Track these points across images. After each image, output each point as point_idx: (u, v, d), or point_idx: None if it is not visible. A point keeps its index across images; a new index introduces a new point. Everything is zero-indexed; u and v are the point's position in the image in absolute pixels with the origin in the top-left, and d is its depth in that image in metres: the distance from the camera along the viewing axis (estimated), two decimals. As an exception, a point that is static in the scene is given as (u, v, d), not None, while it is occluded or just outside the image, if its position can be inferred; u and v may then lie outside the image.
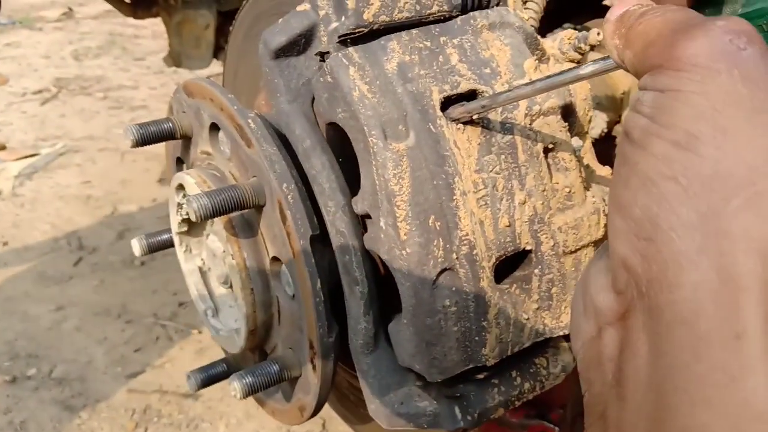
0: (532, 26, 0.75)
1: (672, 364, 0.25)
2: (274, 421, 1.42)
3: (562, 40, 0.67)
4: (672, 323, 0.25)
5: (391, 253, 0.56)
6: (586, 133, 0.70)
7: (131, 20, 1.92)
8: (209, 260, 0.81)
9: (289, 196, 0.62)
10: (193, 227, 0.82)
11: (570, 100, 0.63)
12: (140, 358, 1.60)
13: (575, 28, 0.99)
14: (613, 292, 0.29)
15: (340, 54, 0.58)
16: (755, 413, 0.23)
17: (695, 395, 0.24)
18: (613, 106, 1.12)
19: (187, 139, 0.79)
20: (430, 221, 0.55)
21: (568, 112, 0.64)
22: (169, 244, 0.85)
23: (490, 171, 0.58)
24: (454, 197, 0.56)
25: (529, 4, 0.78)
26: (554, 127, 0.61)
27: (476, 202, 0.57)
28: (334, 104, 0.59)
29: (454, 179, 0.56)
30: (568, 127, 0.62)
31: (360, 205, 0.59)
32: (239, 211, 0.67)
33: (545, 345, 0.65)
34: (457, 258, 0.56)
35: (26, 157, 2.57)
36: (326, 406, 0.82)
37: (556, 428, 1.03)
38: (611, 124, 1.13)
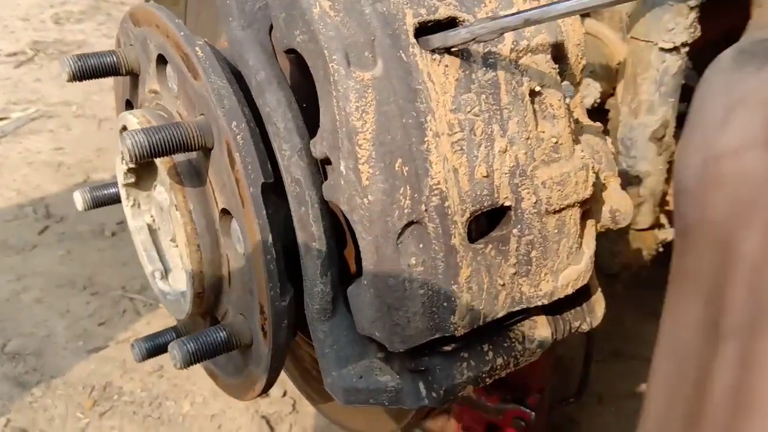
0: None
1: None
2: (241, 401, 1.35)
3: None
4: None
5: (352, 202, 0.49)
6: (578, 83, 0.62)
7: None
8: (158, 216, 0.73)
9: (238, 137, 0.54)
10: (141, 179, 0.73)
11: (562, 40, 0.55)
12: (104, 332, 1.51)
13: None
14: None
15: (299, -33, 0.50)
16: None
17: None
18: (607, 76, 1.05)
19: (135, 77, 0.71)
20: (397, 165, 0.48)
21: (558, 54, 0.56)
22: (117, 198, 0.77)
23: (468, 112, 0.50)
24: (426, 139, 0.48)
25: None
26: (543, 67, 0.53)
27: (450, 147, 0.49)
28: (291, 25, 0.51)
29: (426, 118, 0.48)
30: (558, 70, 0.54)
31: (318, 146, 0.51)
32: (183, 153, 0.59)
33: (521, 317, 0.58)
34: (426, 210, 0.48)
35: (-4, 121, 2.45)
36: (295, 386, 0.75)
37: (533, 413, 0.97)
38: (605, 96, 1.06)
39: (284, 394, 1.31)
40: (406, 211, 0.48)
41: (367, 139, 0.47)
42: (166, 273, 0.74)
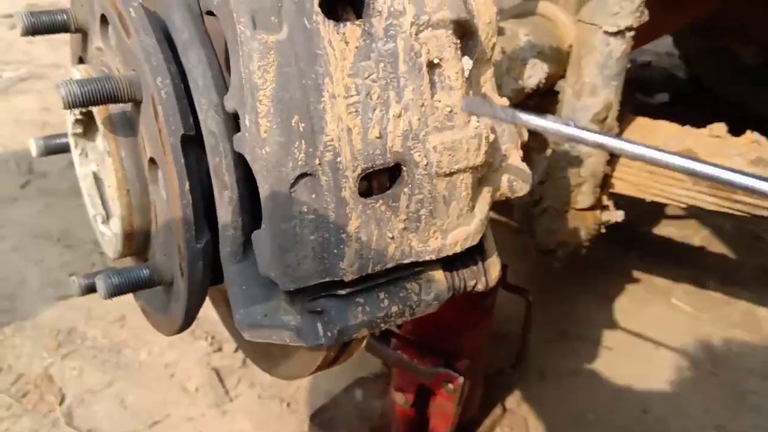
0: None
1: None
2: (195, 352, 1.42)
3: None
4: None
5: (253, 153, 0.54)
6: (489, 59, 0.67)
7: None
8: (101, 164, 0.79)
9: (162, 91, 0.59)
10: (89, 129, 0.79)
11: (465, 17, 0.60)
12: (74, 283, 1.58)
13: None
14: None
15: (216, -66, 0.54)
16: None
17: None
18: (557, 58, 1.09)
19: (84, 35, 0.76)
20: (294, 121, 0.53)
21: (464, 31, 0.61)
22: (68, 147, 0.82)
23: (366, 78, 0.55)
24: (322, 99, 0.53)
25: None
26: (443, 41, 0.58)
27: (346, 108, 0.54)
28: (209, -10, 0.55)
29: (324, 80, 0.53)
30: (459, 45, 0.59)
31: (229, 101, 0.56)
32: (113, 104, 0.64)
33: (419, 271, 0.64)
34: (319, 164, 0.54)
35: (-14, 77, 2.49)
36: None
37: (461, 378, 1.04)
38: (553, 78, 1.10)
39: (236, 350, 1.38)
40: (299, 163, 0.53)
41: (266, 96, 0.52)
42: (107, 218, 0.79)
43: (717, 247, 1.86)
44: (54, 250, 1.69)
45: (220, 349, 1.41)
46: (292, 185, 0.54)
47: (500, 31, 1.04)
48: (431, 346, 1.10)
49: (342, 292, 0.60)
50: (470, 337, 1.10)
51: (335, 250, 0.56)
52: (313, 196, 0.54)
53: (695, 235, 1.89)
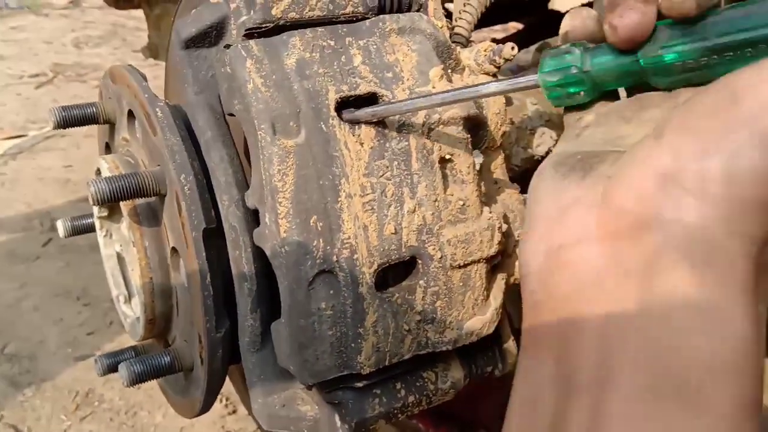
0: (459, 33, 0.74)
1: None
2: (210, 414, 1.41)
3: (478, 51, 0.66)
4: None
5: (273, 250, 0.56)
6: (499, 147, 0.69)
7: (135, 13, 1.93)
8: (124, 246, 0.81)
9: (186, 187, 0.62)
10: (113, 212, 0.81)
11: (475, 113, 0.62)
12: (92, 342, 1.59)
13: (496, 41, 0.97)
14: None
15: (239, 46, 0.58)
16: None
17: None
18: (563, 124, 1.11)
19: (112, 125, 0.80)
20: (312, 221, 0.55)
21: (474, 124, 0.63)
22: (94, 228, 0.85)
23: (381, 176, 0.57)
24: (339, 199, 0.55)
25: (464, 15, 0.78)
26: (454, 137, 0.60)
27: (362, 206, 0.56)
28: (231, 96, 0.59)
29: (341, 181, 0.55)
30: (470, 139, 0.61)
31: (250, 199, 0.58)
32: (140, 198, 0.67)
33: (435, 360, 0.64)
34: (337, 261, 0.55)
35: (13, 137, 2.59)
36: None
37: (479, 447, 1.02)
38: (563, 144, 1.11)
39: (250, 413, 1.37)
40: (318, 261, 0.55)
41: (286, 198, 0.54)
42: (129, 298, 0.81)
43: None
44: (73, 309, 1.71)
45: (234, 412, 1.41)
46: (311, 283, 0.55)
47: (508, 101, 1.07)
48: (447, 413, 1.09)
49: (359, 384, 0.60)
50: (487, 404, 1.08)
51: (353, 344, 0.57)
52: (331, 292, 0.56)
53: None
